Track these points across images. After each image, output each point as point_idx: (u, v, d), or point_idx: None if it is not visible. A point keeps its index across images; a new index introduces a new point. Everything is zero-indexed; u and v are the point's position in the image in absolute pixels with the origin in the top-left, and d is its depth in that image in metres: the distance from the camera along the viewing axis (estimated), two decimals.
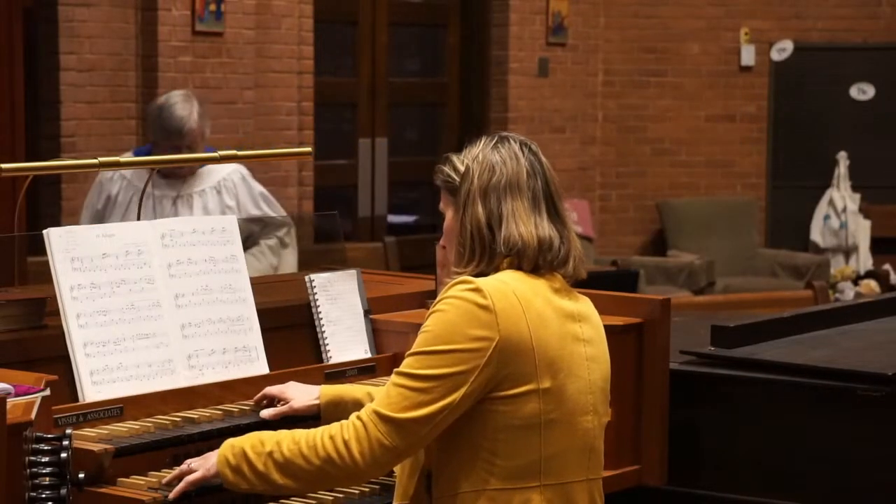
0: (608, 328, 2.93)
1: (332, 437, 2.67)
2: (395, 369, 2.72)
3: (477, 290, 2.68)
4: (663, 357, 3.56)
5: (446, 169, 2.85)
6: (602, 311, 2.95)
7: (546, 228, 2.77)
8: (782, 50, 10.83)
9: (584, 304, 2.86)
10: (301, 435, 2.70)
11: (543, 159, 2.84)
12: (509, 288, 2.71)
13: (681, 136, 10.85)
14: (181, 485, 2.75)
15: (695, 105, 10.85)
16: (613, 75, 10.73)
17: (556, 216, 2.81)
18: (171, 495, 2.73)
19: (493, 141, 2.83)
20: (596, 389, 2.81)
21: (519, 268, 2.76)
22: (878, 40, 10.85)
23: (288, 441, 2.69)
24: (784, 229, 10.95)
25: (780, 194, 10.95)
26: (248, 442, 2.72)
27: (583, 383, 2.78)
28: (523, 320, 2.69)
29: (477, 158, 2.81)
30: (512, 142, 2.83)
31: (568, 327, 2.77)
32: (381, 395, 2.70)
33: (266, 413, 3.12)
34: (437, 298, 2.73)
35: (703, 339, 3.86)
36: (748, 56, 10.82)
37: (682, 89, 10.83)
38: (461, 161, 2.83)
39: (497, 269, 2.76)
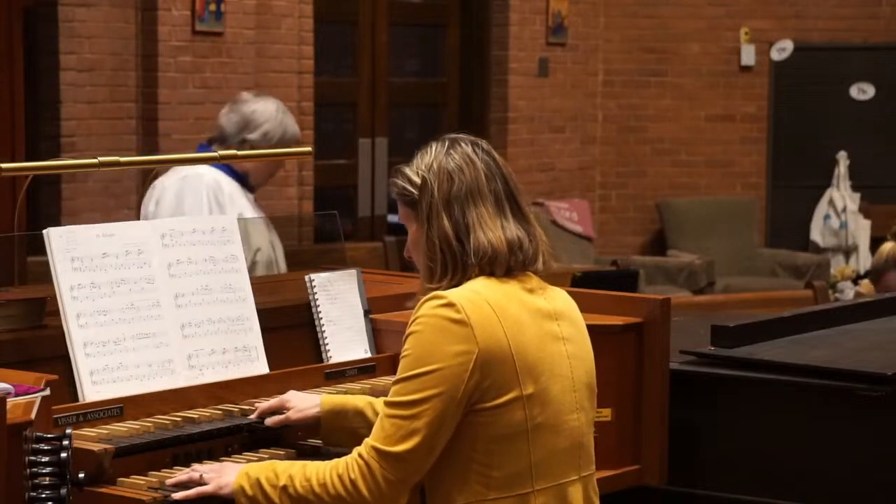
0: (608, 328, 2.92)
1: (339, 476, 2.65)
2: (385, 399, 2.71)
3: (449, 304, 2.65)
4: (663, 357, 3.55)
5: (400, 182, 2.79)
6: (602, 311, 2.94)
7: (513, 230, 2.74)
8: (782, 50, 10.83)
9: (560, 301, 2.82)
10: (312, 471, 2.69)
11: (498, 157, 2.79)
12: (482, 297, 2.68)
13: (681, 135, 10.85)
14: (192, 492, 2.73)
15: (695, 105, 10.84)
16: (613, 75, 10.72)
17: (520, 214, 2.77)
18: (178, 496, 2.73)
19: (445, 146, 2.77)
20: (580, 386, 2.79)
21: (491, 274, 2.73)
22: (878, 40, 10.85)
23: (300, 477, 2.68)
24: (784, 229, 10.95)
25: (780, 194, 10.95)
26: (264, 473, 2.71)
27: (566, 382, 2.76)
28: (500, 329, 2.67)
29: (432, 168, 2.74)
30: (463, 144, 2.78)
31: (546, 327, 2.75)
32: (376, 428, 2.68)
33: (268, 421, 3.09)
34: (412, 318, 2.69)
35: (703, 339, 3.86)
36: (748, 56, 10.81)
37: (682, 89, 10.83)
38: (415, 172, 2.77)
39: (470, 278, 2.73)
